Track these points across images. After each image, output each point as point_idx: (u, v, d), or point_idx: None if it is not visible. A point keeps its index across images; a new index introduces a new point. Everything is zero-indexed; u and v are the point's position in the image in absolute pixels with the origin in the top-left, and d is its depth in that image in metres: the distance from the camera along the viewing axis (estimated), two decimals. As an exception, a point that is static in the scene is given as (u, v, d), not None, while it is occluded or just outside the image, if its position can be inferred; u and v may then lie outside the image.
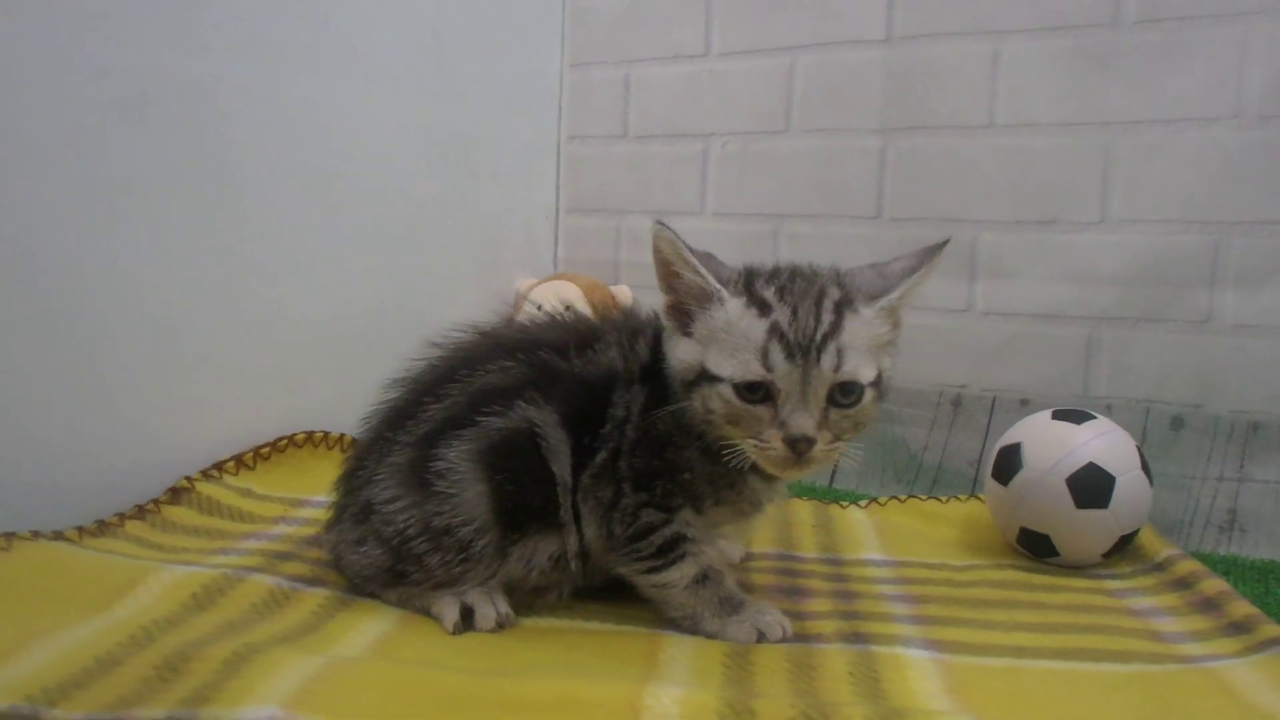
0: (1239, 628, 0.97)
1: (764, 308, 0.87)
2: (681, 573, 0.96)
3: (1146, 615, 1.04)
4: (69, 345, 1.16)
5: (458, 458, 0.94)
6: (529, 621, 0.98)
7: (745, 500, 0.97)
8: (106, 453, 1.22)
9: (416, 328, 1.60)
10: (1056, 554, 1.17)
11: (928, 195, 1.61)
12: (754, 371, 0.85)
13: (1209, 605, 1.03)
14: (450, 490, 0.94)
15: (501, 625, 0.95)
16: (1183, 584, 1.10)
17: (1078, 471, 1.14)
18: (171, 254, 1.28)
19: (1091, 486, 1.13)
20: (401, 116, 1.62)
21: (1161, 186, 1.46)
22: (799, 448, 0.84)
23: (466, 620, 0.95)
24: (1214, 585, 1.07)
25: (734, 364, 0.86)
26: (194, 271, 1.31)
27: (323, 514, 1.25)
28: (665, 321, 0.94)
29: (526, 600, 1.01)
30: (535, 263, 1.97)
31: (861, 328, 0.87)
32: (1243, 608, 1.00)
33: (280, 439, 1.44)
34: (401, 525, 0.95)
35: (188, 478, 1.29)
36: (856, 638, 0.96)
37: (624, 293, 1.86)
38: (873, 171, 1.66)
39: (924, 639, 0.96)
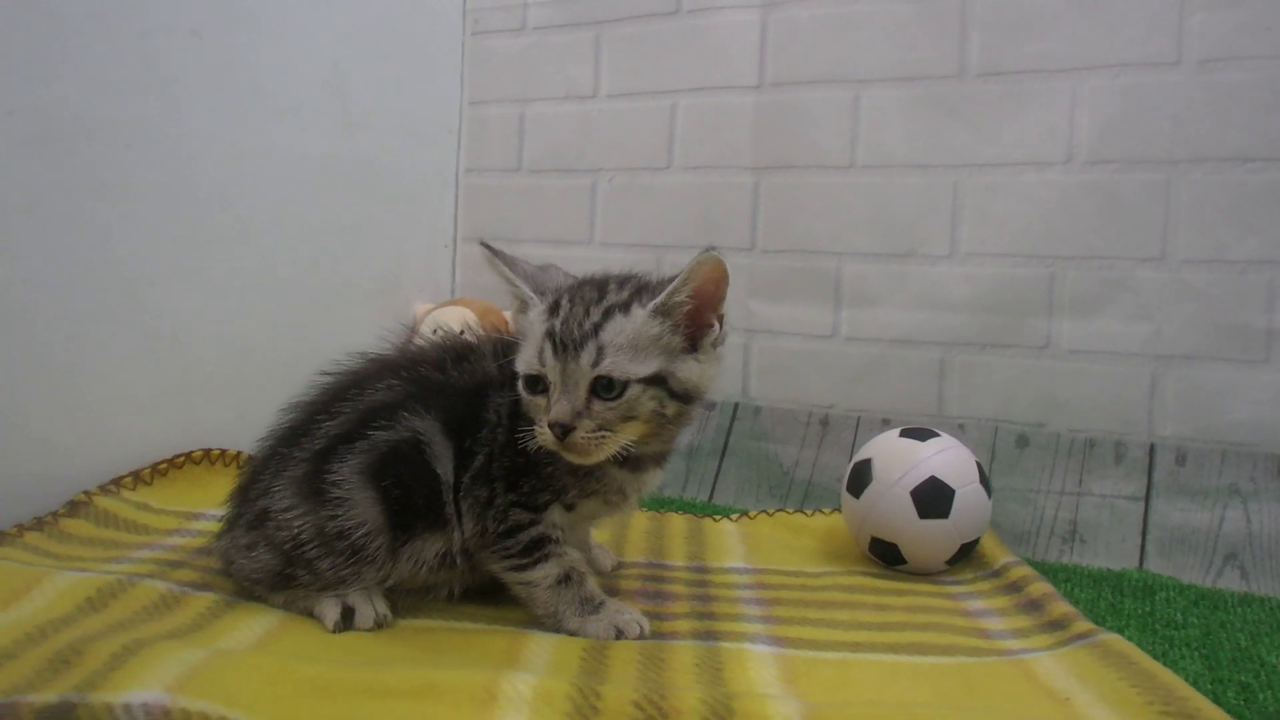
0: (1055, 625, 1.07)
1: (554, 310, 0.97)
2: (545, 572, 1.03)
3: (978, 615, 1.13)
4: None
5: (349, 469, 1.01)
6: (405, 622, 1.04)
7: (611, 490, 1.05)
8: (4, 465, 1.24)
9: (315, 349, 1.65)
10: (904, 561, 1.26)
11: (797, 229, 1.73)
12: (534, 366, 0.96)
13: (1033, 606, 1.13)
14: (344, 497, 1.00)
15: (379, 625, 1.01)
16: (1014, 588, 1.19)
17: (921, 484, 1.23)
18: (71, 276, 1.31)
19: (933, 498, 1.22)
20: (303, 147, 1.68)
21: (1004, 223, 1.60)
22: (557, 432, 0.94)
23: (347, 620, 1.00)
24: (1040, 588, 1.16)
25: (524, 360, 0.98)
26: (94, 293, 1.35)
27: (216, 526, 1.31)
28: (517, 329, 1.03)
29: (416, 601, 1.07)
30: (434, 288, 2.04)
31: (629, 327, 0.95)
32: (1061, 607, 1.10)
33: (178, 456, 1.47)
34: (296, 531, 1.00)
35: (86, 492, 1.32)
36: (708, 635, 1.04)
37: (518, 316, 1.94)
38: (747, 206, 1.77)
39: (769, 635, 1.04)
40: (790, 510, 1.54)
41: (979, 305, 1.61)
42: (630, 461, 1.02)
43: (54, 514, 1.27)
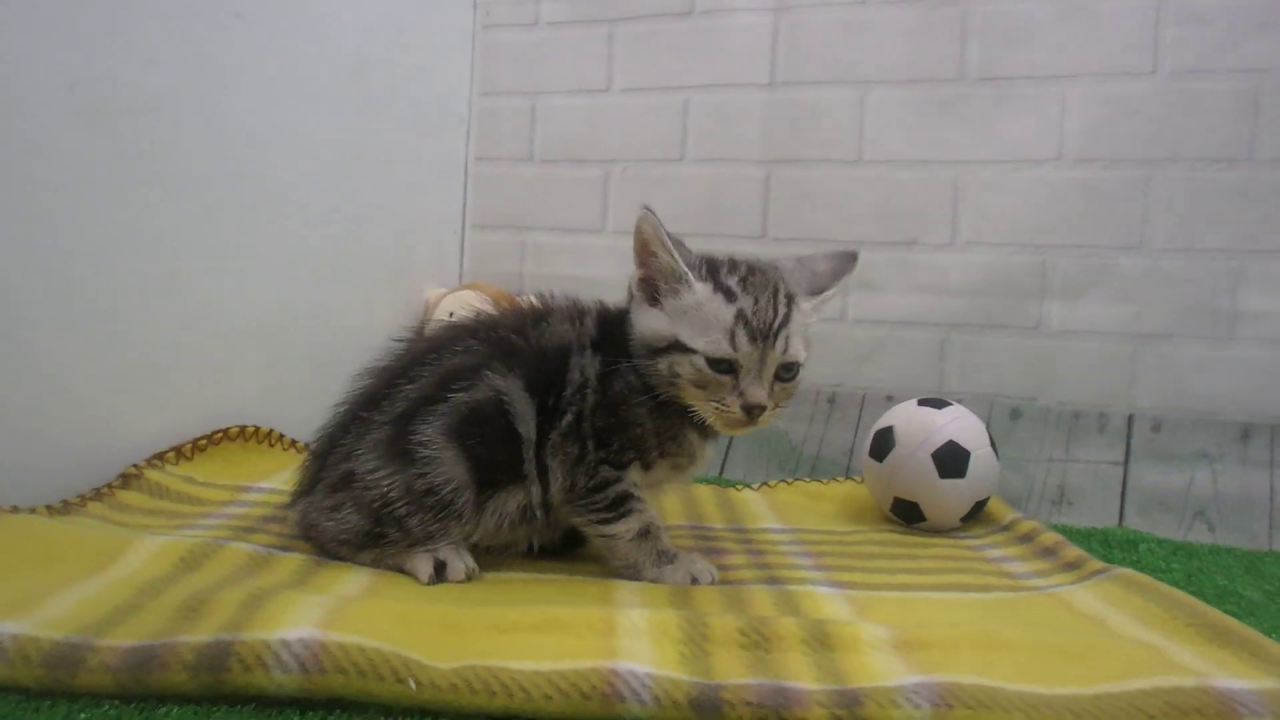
0: (1072, 565, 1.19)
1: (730, 295, 1.04)
2: (628, 525, 1.09)
3: (1000, 562, 1.24)
4: (16, 334, 1.20)
5: (434, 430, 1.05)
6: (491, 575, 1.09)
7: (684, 453, 1.12)
8: (53, 438, 1.25)
9: (336, 329, 1.71)
10: (924, 519, 1.37)
11: (805, 219, 1.84)
12: (723, 350, 1.02)
13: (1047, 552, 1.25)
14: (431, 456, 1.04)
15: (469, 577, 1.06)
16: (1026, 538, 1.31)
17: (941, 448, 1.34)
18: (116, 251, 1.32)
19: (952, 460, 1.33)
20: (327, 132, 1.71)
21: (999, 215, 1.74)
22: (753, 413, 1.02)
23: (439, 573, 1.04)
24: (1050, 537, 1.29)
25: (706, 340, 1.03)
26: (135, 268, 1.36)
27: (268, 498, 1.33)
28: (635, 291, 1.09)
29: (495, 559, 1.12)
30: (443, 274, 2.07)
31: (800, 318, 1.07)
32: (1073, 551, 1.22)
33: (216, 432, 1.48)
34: (385, 490, 1.04)
35: (135, 465, 1.33)
36: (773, 580, 1.12)
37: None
38: (758, 197, 1.88)
39: (828, 580, 1.13)
40: (806, 479, 1.63)
41: (976, 290, 1.76)
42: (707, 430, 1.11)
43: (110, 485, 1.28)
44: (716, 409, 1.04)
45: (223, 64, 1.47)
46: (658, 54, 1.95)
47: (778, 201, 1.87)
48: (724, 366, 1.03)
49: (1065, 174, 1.70)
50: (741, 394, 1.03)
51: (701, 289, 1.05)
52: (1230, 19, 1.61)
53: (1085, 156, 1.69)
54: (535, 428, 1.08)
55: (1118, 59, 1.67)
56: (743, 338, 1.02)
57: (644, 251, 1.08)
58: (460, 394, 1.07)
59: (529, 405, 1.08)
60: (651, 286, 1.08)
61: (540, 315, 1.15)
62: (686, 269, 1.06)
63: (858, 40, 1.81)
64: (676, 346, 1.04)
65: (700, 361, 1.03)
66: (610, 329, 1.13)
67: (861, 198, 1.82)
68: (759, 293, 1.05)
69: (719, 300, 1.04)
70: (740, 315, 1.03)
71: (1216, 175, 1.63)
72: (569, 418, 1.08)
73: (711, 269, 1.07)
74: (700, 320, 1.04)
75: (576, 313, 1.15)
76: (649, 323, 1.07)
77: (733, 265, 1.09)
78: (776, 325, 1.03)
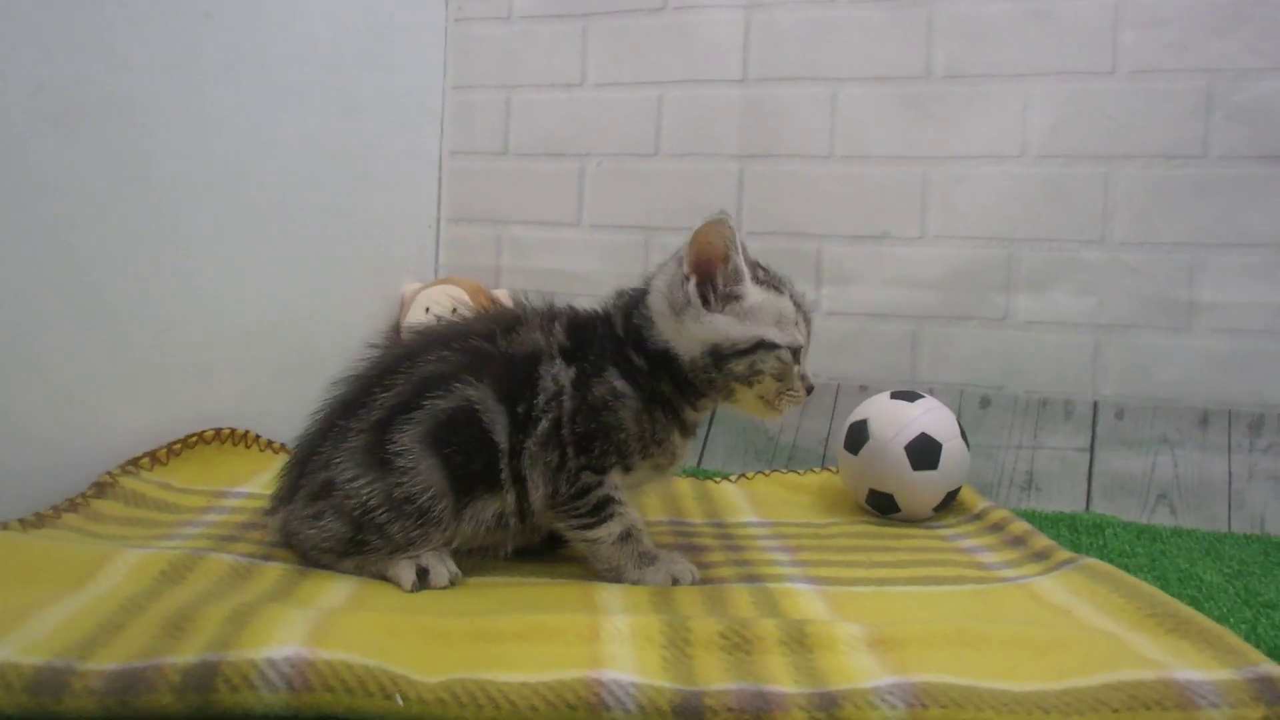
0: (1040, 555, 1.22)
1: (777, 289, 1.13)
2: (609, 529, 1.11)
3: (971, 552, 1.27)
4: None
5: (410, 438, 1.06)
6: (474, 580, 1.10)
7: (666, 454, 1.14)
8: (25, 448, 1.23)
9: (315, 329, 1.71)
10: (898, 510, 1.40)
11: (780, 213, 1.85)
12: (799, 339, 1.12)
13: (1017, 541, 1.28)
14: (408, 464, 1.05)
15: (452, 583, 1.07)
16: (996, 528, 1.34)
17: (913, 440, 1.37)
18: (89, 255, 1.31)
19: (924, 452, 1.36)
20: (302, 129, 1.69)
21: (967, 209, 1.77)
22: (811, 391, 1.16)
23: (422, 579, 1.05)
24: (1020, 526, 1.32)
25: (787, 335, 1.11)
26: (109, 272, 1.34)
27: (247, 503, 1.34)
28: (693, 299, 1.10)
29: (475, 563, 1.13)
30: (419, 269, 2.07)
31: None
32: (1041, 540, 1.25)
33: (191, 436, 1.48)
34: (365, 498, 1.05)
35: (109, 473, 1.32)
36: (751, 578, 1.14)
37: (505, 296, 1.99)
38: (732, 191, 1.89)
39: (805, 576, 1.15)
40: (783, 470, 1.66)
41: (946, 283, 1.79)
42: (688, 428, 1.14)
43: (83, 495, 1.26)
44: (790, 396, 1.13)
45: (195, 64, 1.45)
46: (632, 49, 1.95)
47: (752, 196, 1.88)
48: (797, 355, 1.12)
49: (1029, 170, 1.74)
50: (803, 376, 1.14)
51: (755, 289, 1.11)
52: (1185, 22, 1.65)
53: (1048, 153, 1.73)
54: (508, 436, 1.09)
55: (1078, 59, 1.71)
56: (804, 326, 1.14)
57: (715, 258, 1.10)
58: (436, 401, 1.07)
59: (501, 413, 1.09)
60: (706, 292, 1.10)
61: (512, 322, 1.15)
62: (747, 270, 1.11)
63: (828, 38, 1.82)
64: (763, 345, 1.10)
65: (786, 355, 1.11)
66: (582, 334, 1.14)
67: (834, 193, 1.84)
68: (788, 285, 1.15)
69: (773, 296, 1.12)
70: (798, 306, 1.13)
71: (1173, 171, 1.67)
72: (545, 425, 1.09)
73: (767, 273, 1.15)
74: (771, 317, 1.11)
75: (547, 319, 1.16)
76: (722, 329, 1.10)
77: (753, 264, 1.15)
78: (809, 311, 1.16)
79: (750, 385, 1.11)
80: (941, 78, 1.77)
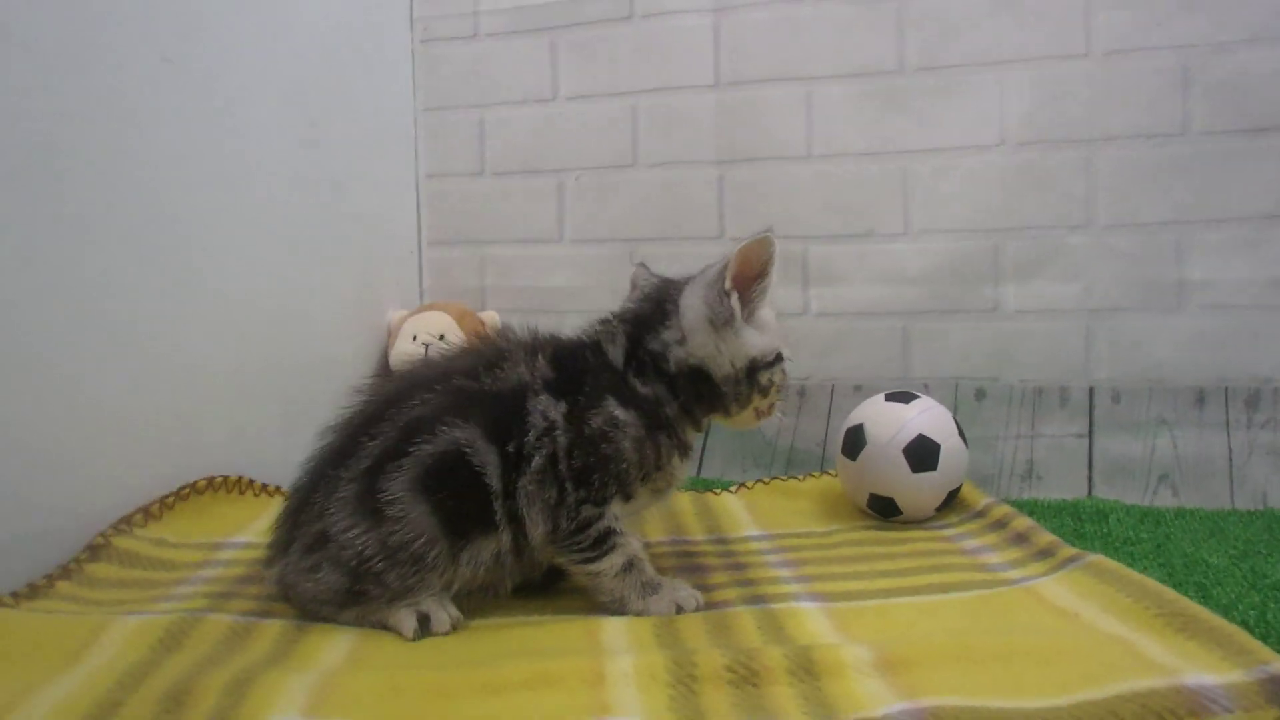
0: (1044, 553, 1.21)
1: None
2: (611, 562, 1.10)
3: (975, 553, 1.27)
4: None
5: (400, 485, 1.04)
6: (476, 623, 1.08)
7: (665, 477, 1.14)
8: (14, 508, 1.21)
9: (299, 366, 1.68)
10: (899, 513, 1.39)
11: (762, 216, 1.82)
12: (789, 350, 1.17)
13: (1020, 539, 1.27)
14: (400, 513, 1.04)
15: (454, 627, 1.05)
16: (999, 525, 1.34)
17: (911, 443, 1.36)
18: (58, 313, 1.28)
19: (923, 454, 1.35)
20: (272, 164, 1.67)
21: (950, 202, 1.75)
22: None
23: (424, 626, 1.04)
24: (1023, 523, 1.31)
25: (789, 346, 1.17)
26: (81, 330, 1.32)
27: (244, 554, 1.32)
28: (737, 313, 1.12)
29: (476, 604, 1.11)
30: (404, 295, 2.05)
31: None
32: (1045, 538, 1.24)
33: (184, 488, 1.46)
34: (360, 548, 1.04)
35: (102, 534, 1.30)
36: (756, 599, 1.13)
37: (492, 317, 1.97)
38: (713, 198, 1.88)
39: (809, 593, 1.14)
40: (783, 477, 1.65)
41: (933, 277, 1.77)
42: (687, 449, 1.14)
43: (76, 560, 1.25)
44: (782, 405, 1.18)
45: (153, 110, 1.43)
46: (602, 60, 1.93)
47: (733, 201, 1.87)
48: None
49: (1009, 158, 1.72)
50: (785, 386, 1.18)
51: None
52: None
53: (1027, 140, 1.71)
54: (500, 476, 1.07)
55: (1051, 43, 1.69)
56: None
57: (754, 274, 1.12)
58: (423, 446, 1.06)
59: (491, 453, 1.07)
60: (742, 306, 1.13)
61: (495, 358, 1.14)
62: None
63: (798, 37, 1.80)
64: (779, 358, 1.15)
65: (788, 366, 1.16)
66: (569, 366, 1.13)
67: (815, 192, 1.82)
68: None
69: (771, 311, 1.15)
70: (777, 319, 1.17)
71: (1153, 150, 1.66)
72: (539, 461, 1.08)
73: None
74: (775, 330, 1.15)
75: (531, 351, 1.15)
76: (757, 341, 1.14)
77: None
78: None
79: (765, 396, 1.14)
80: (915, 70, 1.75)
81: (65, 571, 1.22)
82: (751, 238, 1.09)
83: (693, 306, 1.13)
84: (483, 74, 2.02)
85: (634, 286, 1.24)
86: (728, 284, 1.11)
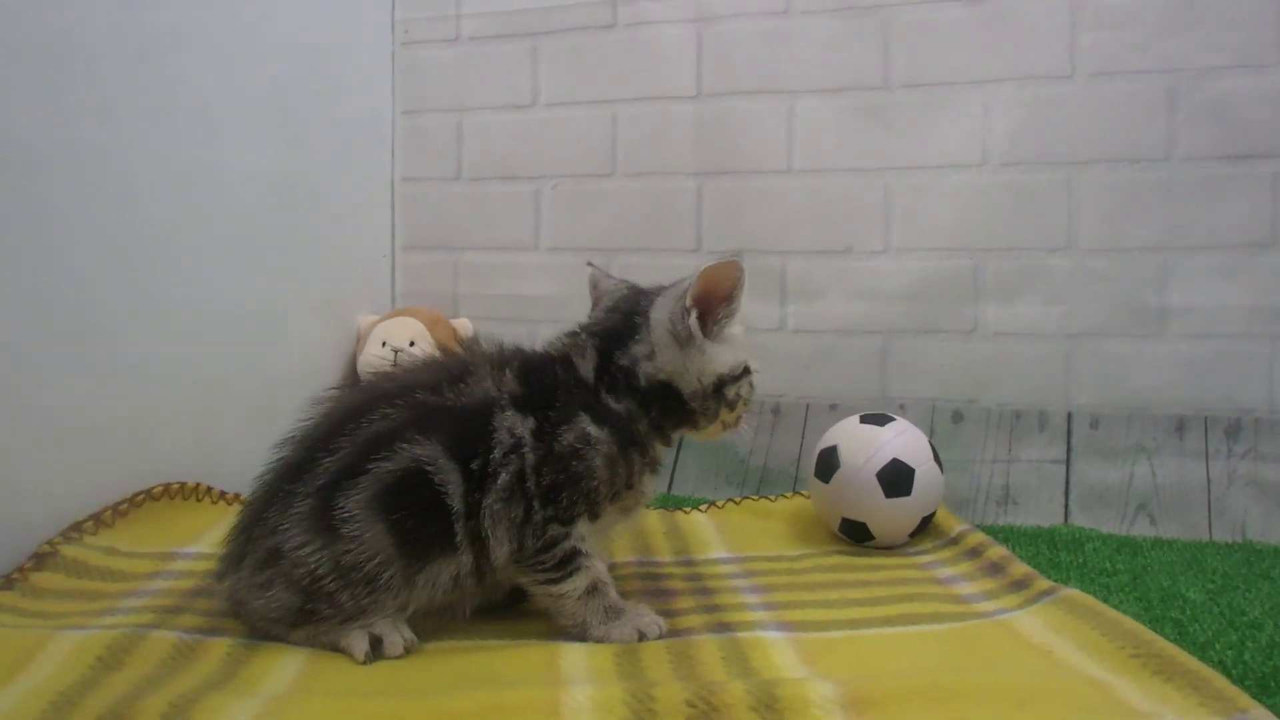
0: (1018, 585, 1.18)
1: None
2: (575, 584, 1.06)
3: (949, 582, 1.24)
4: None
5: (356, 503, 1.01)
6: (432, 645, 1.05)
7: (634, 495, 1.12)
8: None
9: (266, 369, 1.65)
10: (872, 538, 1.36)
11: (741, 229, 1.81)
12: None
13: (995, 569, 1.25)
14: (355, 532, 1.00)
15: (408, 650, 1.02)
16: (974, 553, 1.31)
17: (885, 467, 1.33)
18: (18, 315, 1.25)
19: (897, 478, 1.33)
20: (248, 164, 1.64)
21: (931, 220, 1.73)
22: None
23: (376, 649, 1.01)
24: (997, 551, 1.29)
25: (755, 359, 1.15)
26: (41, 329, 1.28)
27: (197, 565, 1.28)
28: (695, 332, 1.10)
29: (432, 624, 1.08)
30: (375, 299, 2.02)
31: None
32: (1020, 568, 1.22)
33: (138, 494, 1.42)
34: (312, 566, 1.00)
35: (49, 542, 1.26)
36: (721, 627, 1.10)
37: (465, 325, 1.94)
38: (691, 210, 1.85)
39: (776, 621, 1.11)
40: (754, 497, 1.63)
41: (913, 295, 1.75)
42: (657, 466, 1.13)
43: (21, 569, 1.20)
44: (748, 418, 1.18)
45: (128, 109, 1.39)
46: (583, 68, 1.90)
47: (711, 213, 1.84)
48: None
49: (992, 178, 1.70)
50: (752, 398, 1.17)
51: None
52: (1144, 21, 1.62)
53: (1011, 160, 1.69)
54: (462, 495, 1.04)
55: (1037, 63, 1.67)
56: None
57: (722, 295, 1.11)
58: (382, 463, 1.03)
59: (454, 471, 1.04)
60: (703, 324, 1.11)
61: (460, 372, 1.11)
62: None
63: (782, 50, 1.78)
64: (746, 371, 1.14)
65: (755, 378, 1.15)
66: (537, 380, 1.10)
67: (795, 207, 1.80)
68: None
69: (739, 326, 1.13)
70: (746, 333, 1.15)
71: (1138, 174, 1.64)
72: (505, 479, 1.05)
73: None
74: (743, 344, 1.14)
75: (498, 365, 1.12)
76: (724, 357, 1.12)
77: None
78: None
79: (732, 409, 1.13)
80: (899, 87, 1.73)
81: (8, 581, 1.18)
82: (719, 259, 1.08)
83: (659, 322, 1.11)
84: (462, 78, 1.99)
85: (595, 289, 1.22)
86: (689, 302, 1.09)
